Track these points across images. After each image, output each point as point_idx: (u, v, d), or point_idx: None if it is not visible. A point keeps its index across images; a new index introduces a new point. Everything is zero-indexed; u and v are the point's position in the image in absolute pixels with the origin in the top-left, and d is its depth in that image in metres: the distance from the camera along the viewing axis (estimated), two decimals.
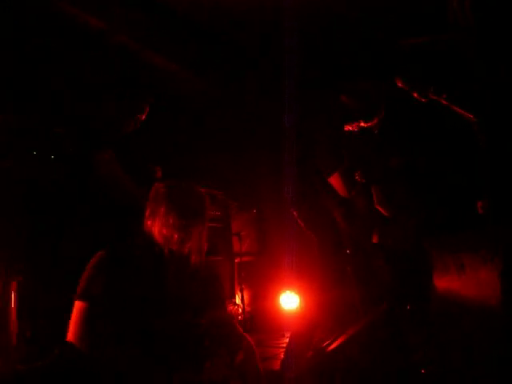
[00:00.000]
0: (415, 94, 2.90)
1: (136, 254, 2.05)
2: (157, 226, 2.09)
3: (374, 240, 3.78)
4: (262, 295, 4.48)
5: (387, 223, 3.79)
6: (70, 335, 1.88)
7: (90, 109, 3.20)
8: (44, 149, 3.02)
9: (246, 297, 4.36)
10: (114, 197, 3.05)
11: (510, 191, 2.59)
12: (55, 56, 3.53)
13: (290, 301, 4.31)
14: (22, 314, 2.59)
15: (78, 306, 1.91)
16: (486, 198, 2.55)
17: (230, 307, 4.49)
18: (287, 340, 3.80)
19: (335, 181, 3.75)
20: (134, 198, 2.97)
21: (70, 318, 1.91)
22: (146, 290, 1.99)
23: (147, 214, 2.14)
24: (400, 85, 3.00)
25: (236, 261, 4.67)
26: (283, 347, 3.64)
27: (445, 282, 2.41)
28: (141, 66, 4.06)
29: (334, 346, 3.01)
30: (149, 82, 3.69)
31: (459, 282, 2.31)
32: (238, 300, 4.50)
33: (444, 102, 2.79)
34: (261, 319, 4.27)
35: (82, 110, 3.20)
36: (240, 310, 4.38)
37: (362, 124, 3.73)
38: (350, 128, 3.75)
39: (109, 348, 1.87)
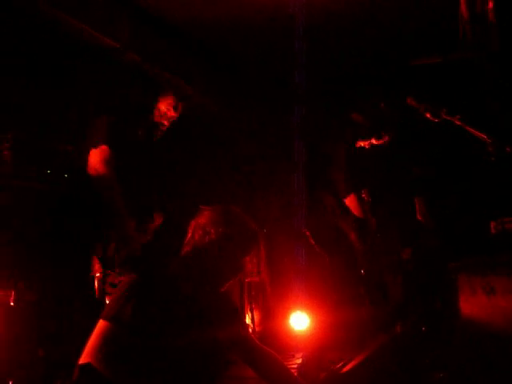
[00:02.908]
0: (428, 115, 2.89)
1: (168, 281, 2.04)
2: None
3: (406, 254, 3.72)
4: (272, 315, 4.44)
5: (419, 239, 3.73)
6: (88, 353, 1.84)
7: None
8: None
9: (255, 316, 4.33)
10: None
11: None
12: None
13: (300, 321, 4.26)
14: (34, 331, 2.57)
15: (102, 325, 1.88)
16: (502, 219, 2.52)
17: None
18: (298, 361, 3.76)
19: (350, 201, 3.75)
20: None
21: (89, 337, 1.88)
22: (172, 316, 1.97)
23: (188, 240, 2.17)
24: (413, 105, 2.98)
25: (246, 280, 4.64)
26: (294, 368, 3.59)
27: (471, 306, 2.35)
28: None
29: (347, 367, 2.96)
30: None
31: (488, 306, 2.27)
32: (248, 319, 4.45)
33: (457, 123, 2.77)
34: (271, 339, 4.22)
35: None
36: (250, 329, 4.34)
37: (374, 141, 3.74)
38: (362, 145, 3.76)
39: (127, 371, 1.85)
